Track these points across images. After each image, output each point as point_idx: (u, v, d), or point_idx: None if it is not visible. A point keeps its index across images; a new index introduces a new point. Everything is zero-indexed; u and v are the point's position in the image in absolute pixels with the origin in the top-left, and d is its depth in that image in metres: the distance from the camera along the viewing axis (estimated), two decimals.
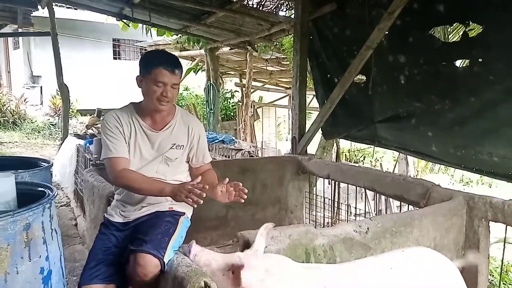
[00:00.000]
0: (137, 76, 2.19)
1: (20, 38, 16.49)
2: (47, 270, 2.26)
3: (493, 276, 4.56)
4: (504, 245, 2.69)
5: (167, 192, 2.02)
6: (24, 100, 15.59)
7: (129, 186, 2.14)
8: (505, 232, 2.56)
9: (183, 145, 2.28)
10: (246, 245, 1.93)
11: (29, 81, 17.40)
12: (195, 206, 1.95)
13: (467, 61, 3.28)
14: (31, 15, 8.09)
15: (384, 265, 1.91)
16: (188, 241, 2.09)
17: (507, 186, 3.53)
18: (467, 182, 13.15)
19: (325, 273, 1.79)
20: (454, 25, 3.72)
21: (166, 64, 2.09)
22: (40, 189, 2.59)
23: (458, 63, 3.40)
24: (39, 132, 13.79)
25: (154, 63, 2.10)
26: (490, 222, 2.58)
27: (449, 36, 4.17)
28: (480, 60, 3.08)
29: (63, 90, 7.76)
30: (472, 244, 2.63)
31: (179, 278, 1.72)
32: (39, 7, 7.19)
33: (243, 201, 2.07)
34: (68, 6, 11.51)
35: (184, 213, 2.26)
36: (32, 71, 17.39)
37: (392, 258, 1.99)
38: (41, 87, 17.09)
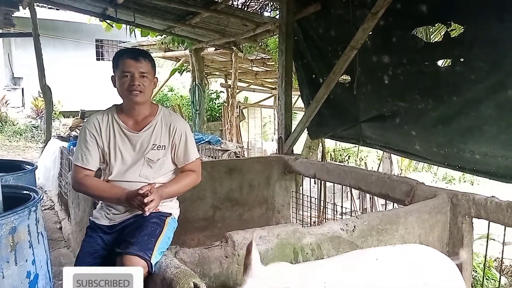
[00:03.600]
0: (112, 76, 2.24)
1: (1, 39, 16.16)
2: (33, 274, 2.23)
3: (476, 271, 4.65)
4: (487, 241, 2.74)
5: (123, 200, 2.09)
6: (5, 102, 15.31)
7: (88, 194, 2.26)
8: (488, 228, 2.61)
9: (164, 146, 2.24)
10: (234, 246, 1.96)
11: (10, 82, 17.09)
12: (146, 214, 1.98)
13: (449, 60, 3.34)
14: (13, 15, 7.95)
15: (382, 262, 1.94)
16: (175, 243, 2.09)
17: (489, 183, 3.59)
18: (449, 180, 13.37)
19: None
20: (436, 25, 3.78)
21: (129, 54, 2.18)
22: (25, 192, 2.56)
23: (440, 62, 3.46)
24: (21, 134, 13.56)
25: (119, 57, 2.19)
26: (473, 218, 2.63)
27: (431, 37, 4.23)
28: (461, 59, 3.14)
29: (46, 91, 7.63)
30: (456, 240, 2.68)
31: (168, 279, 1.71)
32: (20, 7, 7.08)
33: (146, 214, 2.03)
34: (50, 6, 11.35)
35: (171, 214, 2.24)
36: (13, 73, 17.08)
37: (389, 254, 2.02)
38: (22, 88, 16.80)
